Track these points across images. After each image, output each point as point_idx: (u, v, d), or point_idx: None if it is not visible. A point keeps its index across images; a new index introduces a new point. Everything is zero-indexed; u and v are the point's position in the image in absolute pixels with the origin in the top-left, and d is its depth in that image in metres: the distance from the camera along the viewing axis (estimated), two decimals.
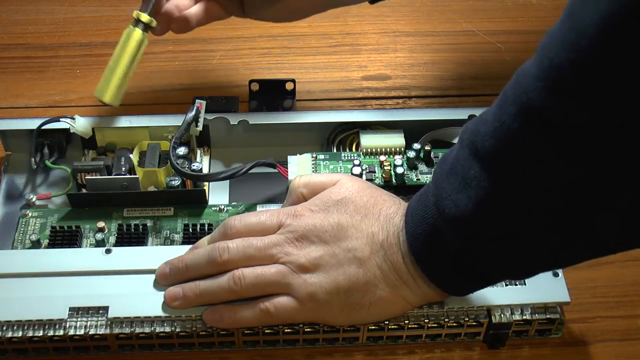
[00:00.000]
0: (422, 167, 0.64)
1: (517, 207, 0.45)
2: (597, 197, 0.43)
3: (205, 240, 0.57)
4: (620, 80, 0.39)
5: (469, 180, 0.46)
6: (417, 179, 0.63)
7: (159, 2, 0.63)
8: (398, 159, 0.64)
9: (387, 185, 0.63)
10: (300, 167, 0.64)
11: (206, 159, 0.67)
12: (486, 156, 0.45)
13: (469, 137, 0.47)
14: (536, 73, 0.41)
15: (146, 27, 0.63)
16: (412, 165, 0.64)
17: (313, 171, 0.64)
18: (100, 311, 0.53)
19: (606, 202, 0.43)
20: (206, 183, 0.64)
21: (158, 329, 0.53)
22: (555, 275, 0.55)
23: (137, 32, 0.62)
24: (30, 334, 0.53)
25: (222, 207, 0.63)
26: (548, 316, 0.55)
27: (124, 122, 0.65)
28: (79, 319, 0.53)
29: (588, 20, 0.38)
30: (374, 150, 0.65)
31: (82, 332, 0.53)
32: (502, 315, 0.54)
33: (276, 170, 0.64)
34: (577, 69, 0.39)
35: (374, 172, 0.64)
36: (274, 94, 0.73)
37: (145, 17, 0.62)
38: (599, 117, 0.40)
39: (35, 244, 0.60)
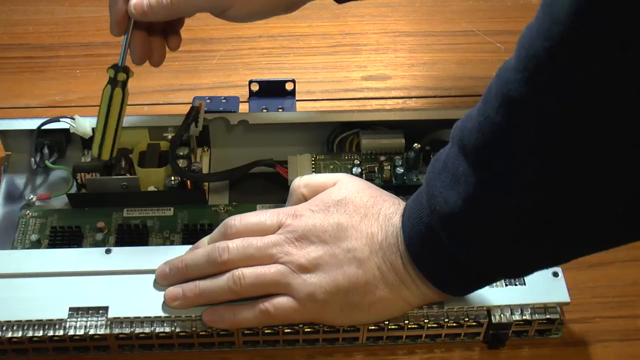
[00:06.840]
0: (422, 167, 0.64)
1: (504, 202, 0.45)
2: (585, 188, 0.42)
3: (205, 240, 0.56)
4: (595, 65, 0.38)
5: (458, 177, 0.46)
6: (417, 179, 0.63)
7: (132, 48, 0.59)
8: (398, 159, 0.64)
9: (387, 185, 0.63)
10: (300, 167, 0.64)
11: (206, 159, 0.67)
12: (472, 151, 0.45)
13: (458, 134, 0.47)
14: (515, 65, 0.41)
15: (125, 82, 0.59)
16: (412, 165, 0.64)
17: (313, 171, 0.64)
18: (100, 311, 0.53)
19: (595, 193, 0.42)
20: (206, 183, 0.64)
21: (158, 329, 0.53)
22: (555, 275, 0.55)
23: (118, 93, 0.59)
24: (30, 334, 0.53)
25: (222, 207, 0.63)
26: (548, 316, 0.55)
27: (124, 122, 0.65)
28: (79, 319, 0.53)
29: (560, 7, 0.38)
30: (374, 150, 0.65)
31: (82, 332, 0.53)
32: (502, 315, 0.54)
33: (276, 170, 0.64)
34: (552, 56, 0.39)
35: (374, 172, 0.64)
36: (274, 94, 0.73)
37: (122, 76, 0.58)
38: (576, 105, 0.39)
39: (35, 244, 0.60)
